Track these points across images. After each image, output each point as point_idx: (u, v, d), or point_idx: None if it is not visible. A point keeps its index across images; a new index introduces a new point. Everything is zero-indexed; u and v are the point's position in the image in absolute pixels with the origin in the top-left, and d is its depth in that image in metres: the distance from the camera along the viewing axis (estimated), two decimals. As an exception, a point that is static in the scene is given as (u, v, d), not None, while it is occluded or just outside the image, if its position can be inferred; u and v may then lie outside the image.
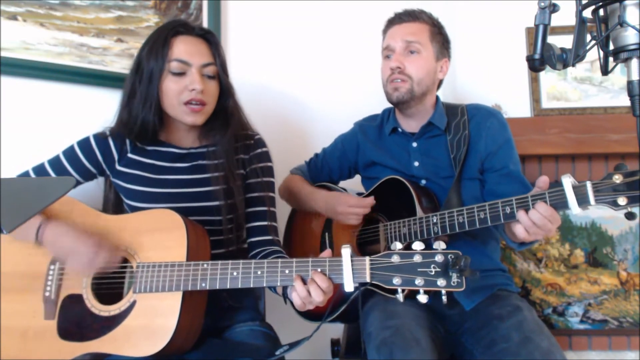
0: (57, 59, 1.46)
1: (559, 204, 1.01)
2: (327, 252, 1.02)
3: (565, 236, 1.88)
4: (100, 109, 1.50)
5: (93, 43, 1.52)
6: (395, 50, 1.36)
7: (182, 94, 1.15)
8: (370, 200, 1.33)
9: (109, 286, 1.10)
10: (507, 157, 1.33)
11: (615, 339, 1.86)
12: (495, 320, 1.17)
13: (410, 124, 1.43)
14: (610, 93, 1.90)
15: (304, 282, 0.97)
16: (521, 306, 1.21)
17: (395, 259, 0.92)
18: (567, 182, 0.98)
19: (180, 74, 1.16)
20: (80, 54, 1.50)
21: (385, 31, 1.44)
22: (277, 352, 1.02)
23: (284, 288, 1.11)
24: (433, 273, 0.90)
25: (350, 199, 1.36)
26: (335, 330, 1.58)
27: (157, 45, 1.16)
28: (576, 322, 1.87)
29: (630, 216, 0.94)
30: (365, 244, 1.41)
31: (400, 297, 0.92)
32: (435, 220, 1.20)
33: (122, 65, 1.56)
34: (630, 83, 0.76)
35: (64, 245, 1.07)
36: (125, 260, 1.10)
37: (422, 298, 0.90)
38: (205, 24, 1.73)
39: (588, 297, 1.86)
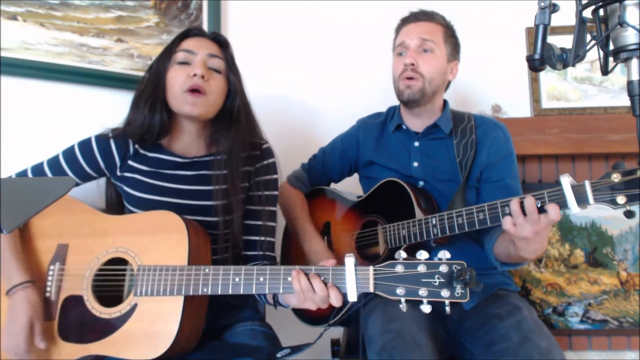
0: (57, 59, 1.46)
1: (558, 203, 1.01)
2: (331, 262, 1.01)
3: (565, 236, 1.87)
4: (100, 109, 1.50)
5: (93, 43, 1.52)
6: (409, 48, 1.37)
7: (184, 81, 1.15)
8: None
9: (110, 288, 1.10)
10: (506, 170, 1.33)
11: (615, 339, 1.86)
12: (494, 320, 1.17)
13: (416, 123, 1.43)
14: (610, 93, 1.90)
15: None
16: (520, 306, 1.21)
17: (399, 268, 0.91)
18: (566, 181, 0.98)
19: (185, 63, 1.17)
20: (80, 54, 1.50)
21: (399, 29, 1.44)
22: (279, 355, 1.00)
23: (274, 295, 1.10)
24: (437, 284, 0.89)
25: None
26: (335, 330, 1.58)
27: (168, 47, 1.21)
28: (576, 322, 1.86)
29: (629, 214, 0.93)
30: (364, 247, 1.40)
31: (403, 307, 0.91)
32: (434, 222, 1.19)
33: (122, 65, 1.56)
34: (630, 83, 0.76)
35: (10, 319, 1.04)
36: (126, 262, 1.10)
37: (426, 308, 0.90)
38: (205, 24, 1.73)
39: (588, 297, 1.86)
